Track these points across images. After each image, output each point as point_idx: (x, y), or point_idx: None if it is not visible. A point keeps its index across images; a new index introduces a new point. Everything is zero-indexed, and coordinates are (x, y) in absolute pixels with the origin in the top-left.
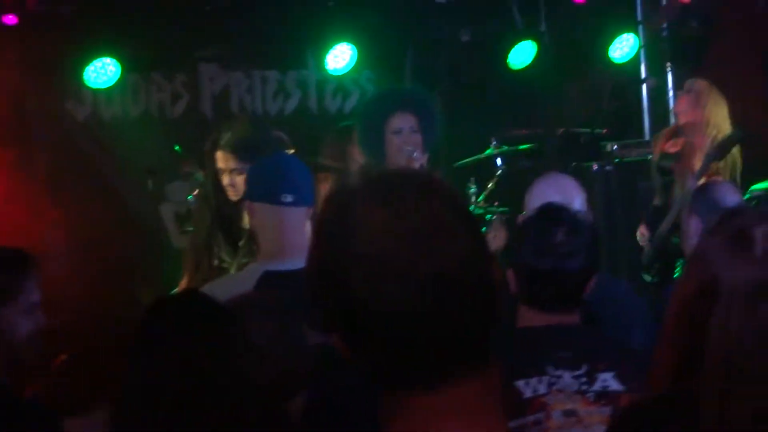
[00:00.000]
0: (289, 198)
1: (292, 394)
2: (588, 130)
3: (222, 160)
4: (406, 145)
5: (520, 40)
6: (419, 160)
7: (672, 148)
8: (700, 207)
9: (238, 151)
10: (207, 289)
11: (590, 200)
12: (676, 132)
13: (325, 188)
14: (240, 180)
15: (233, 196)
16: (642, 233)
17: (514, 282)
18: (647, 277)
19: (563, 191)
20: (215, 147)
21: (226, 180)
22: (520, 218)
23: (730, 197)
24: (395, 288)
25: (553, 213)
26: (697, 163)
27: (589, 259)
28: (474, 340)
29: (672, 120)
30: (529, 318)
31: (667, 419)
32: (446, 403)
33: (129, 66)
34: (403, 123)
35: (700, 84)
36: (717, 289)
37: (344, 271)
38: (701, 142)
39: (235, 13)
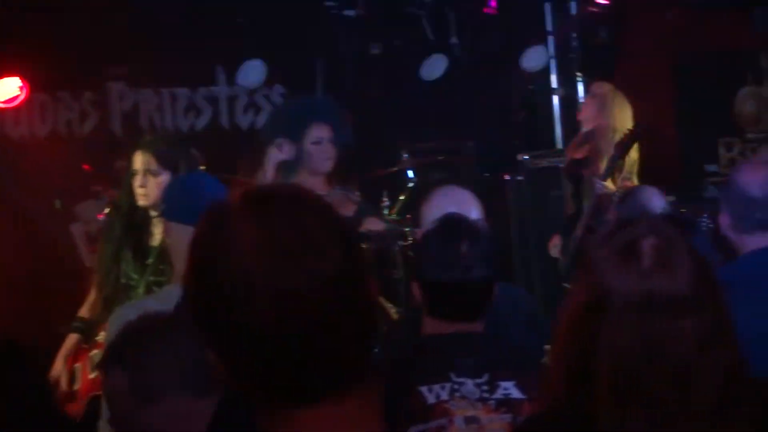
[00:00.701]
0: None
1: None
2: (499, 140)
3: (140, 160)
4: (325, 155)
5: (431, 53)
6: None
7: (579, 154)
8: (625, 211)
9: (159, 152)
10: (122, 310)
11: (503, 211)
12: (584, 138)
13: None
14: (153, 183)
15: (143, 200)
16: (554, 243)
17: (418, 294)
18: (568, 286)
19: (460, 203)
20: (135, 149)
21: (138, 181)
22: (419, 232)
23: (655, 201)
24: (265, 307)
25: (454, 225)
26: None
27: (490, 269)
28: (351, 356)
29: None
30: (434, 326)
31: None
32: (326, 417)
33: (36, 85)
34: (322, 133)
35: (604, 88)
36: (606, 300)
37: (217, 290)
38: (608, 146)
39: (143, 30)
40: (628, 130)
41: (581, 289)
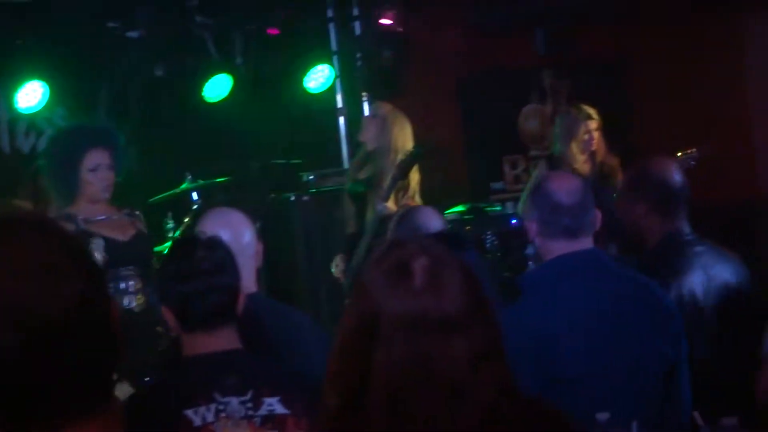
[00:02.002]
0: None
1: None
2: (284, 161)
3: None
4: (103, 182)
5: (216, 73)
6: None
7: (362, 174)
8: (403, 232)
9: None
10: None
11: (290, 231)
12: (366, 159)
13: None
14: None
15: None
16: (337, 263)
17: (169, 316)
18: None
19: (231, 225)
20: None
21: None
22: None
23: (433, 222)
24: (7, 328)
25: (187, 240)
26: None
27: (231, 274)
28: (92, 381)
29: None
30: (193, 346)
31: None
32: None
33: None
34: (99, 159)
35: (385, 108)
36: (379, 321)
37: None
38: (389, 167)
39: None
40: (409, 150)
41: (354, 310)
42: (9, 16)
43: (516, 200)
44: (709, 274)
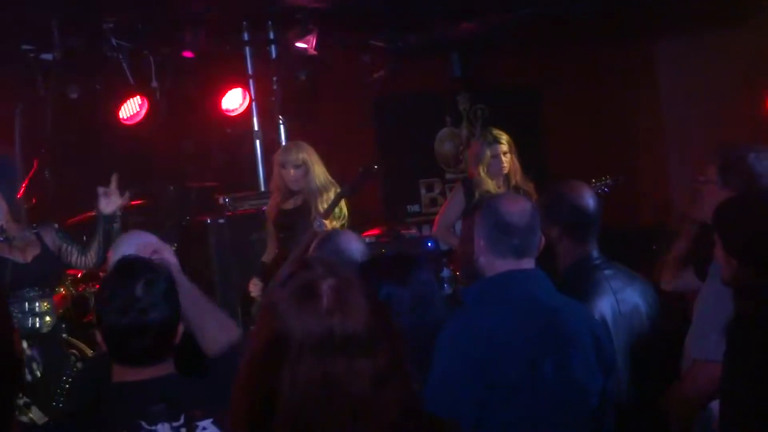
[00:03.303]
0: None
1: None
2: (200, 183)
3: None
4: None
5: (131, 96)
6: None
7: (288, 205)
8: (324, 254)
9: None
10: None
11: (205, 253)
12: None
13: None
14: None
15: None
16: (254, 283)
17: (101, 341)
18: None
19: (146, 247)
20: None
21: None
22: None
23: (353, 245)
24: None
25: (129, 267)
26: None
27: (170, 309)
28: None
29: None
30: (121, 374)
31: None
32: None
33: None
34: None
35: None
36: (287, 340)
37: None
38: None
39: None
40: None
41: (263, 329)
42: None
43: (431, 223)
44: (619, 297)
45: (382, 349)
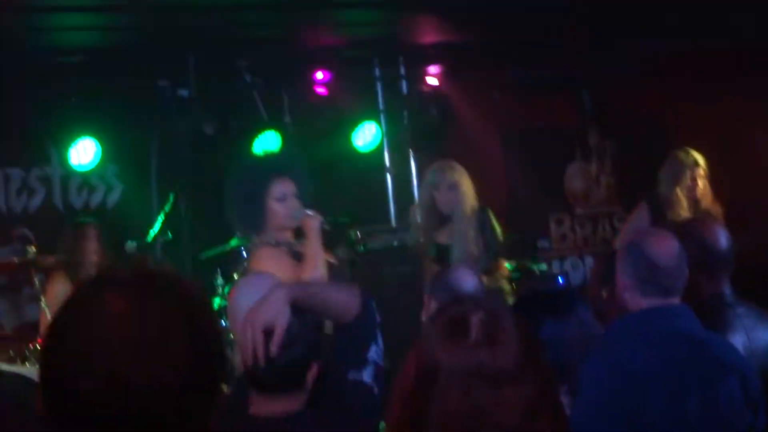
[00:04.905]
0: None
1: None
2: (332, 218)
3: None
4: (290, 211)
5: (264, 131)
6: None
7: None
8: (438, 291)
9: None
10: None
11: None
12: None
13: (55, 285)
14: None
15: None
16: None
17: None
18: None
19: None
20: None
21: None
22: None
23: (467, 281)
24: None
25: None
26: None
27: (305, 348)
28: None
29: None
30: (258, 405)
31: None
32: None
33: None
34: (285, 189)
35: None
36: (437, 372)
37: None
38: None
39: None
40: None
41: (412, 363)
42: (62, 75)
43: (561, 258)
44: (751, 335)
45: (532, 380)
